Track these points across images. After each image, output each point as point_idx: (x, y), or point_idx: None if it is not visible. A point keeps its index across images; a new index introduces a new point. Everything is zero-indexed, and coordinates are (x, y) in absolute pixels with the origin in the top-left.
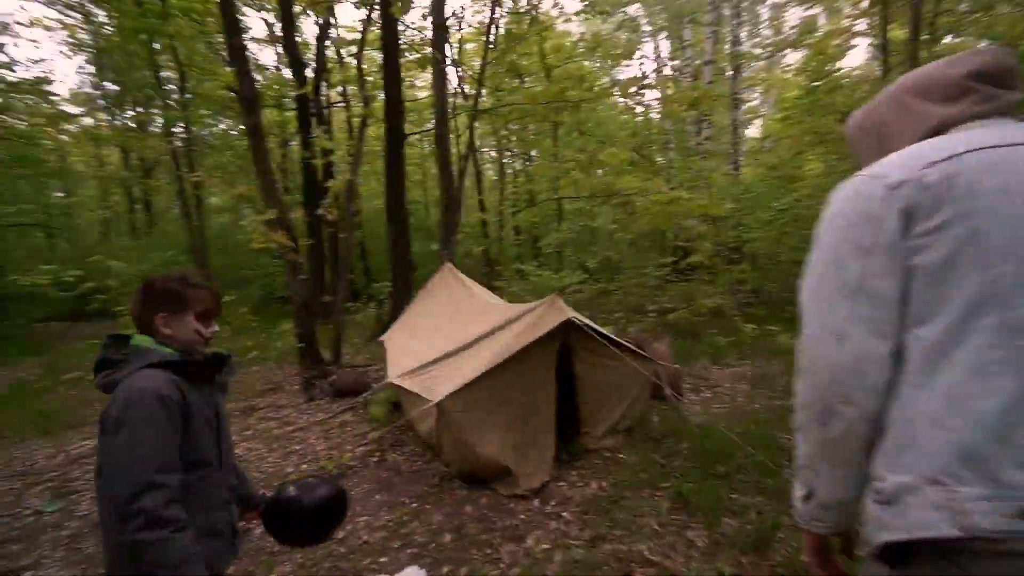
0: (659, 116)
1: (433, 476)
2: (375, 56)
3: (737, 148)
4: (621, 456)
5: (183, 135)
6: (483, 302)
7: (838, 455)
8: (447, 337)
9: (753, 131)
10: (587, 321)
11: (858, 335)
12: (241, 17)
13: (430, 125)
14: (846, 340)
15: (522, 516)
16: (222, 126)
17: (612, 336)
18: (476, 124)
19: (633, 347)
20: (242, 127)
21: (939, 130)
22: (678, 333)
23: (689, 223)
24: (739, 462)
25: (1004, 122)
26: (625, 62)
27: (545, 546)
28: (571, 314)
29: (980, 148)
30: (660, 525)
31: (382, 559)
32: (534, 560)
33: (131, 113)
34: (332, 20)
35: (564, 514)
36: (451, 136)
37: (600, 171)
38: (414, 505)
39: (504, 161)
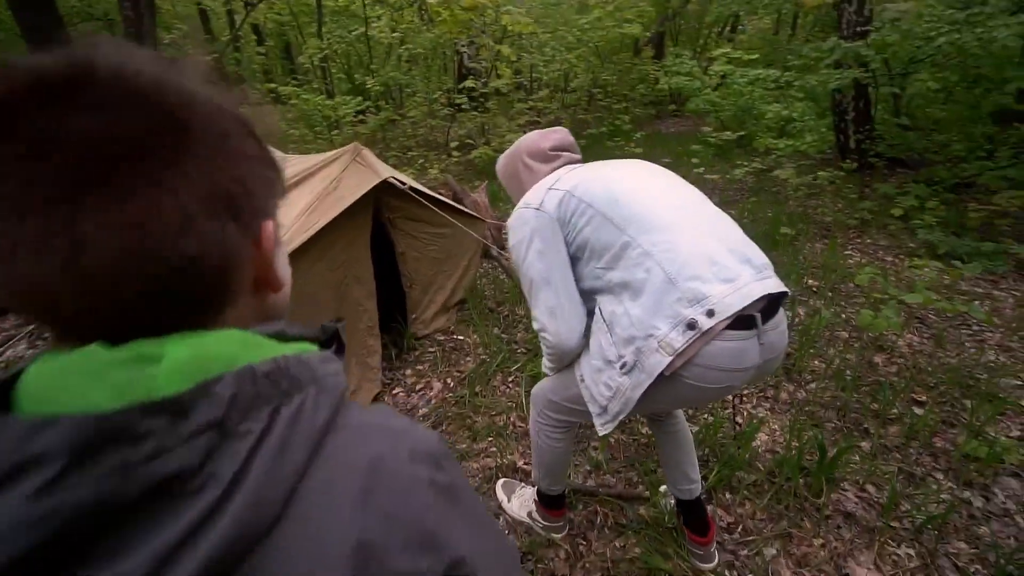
0: None
1: None
2: None
3: None
4: (459, 338)
5: None
6: None
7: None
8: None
9: None
10: (405, 179)
11: (561, 306)
12: None
13: None
14: (556, 311)
15: None
16: None
17: (436, 195)
18: None
19: (458, 206)
20: None
21: (548, 174)
22: (482, 174)
23: (486, 40)
24: None
25: (574, 165)
26: None
27: None
28: (386, 173)
29: (570, 176)
30: (524, 422)
31: None
32: None
33: None
34: None
35: None
36: None
37: None
38: None
39: None
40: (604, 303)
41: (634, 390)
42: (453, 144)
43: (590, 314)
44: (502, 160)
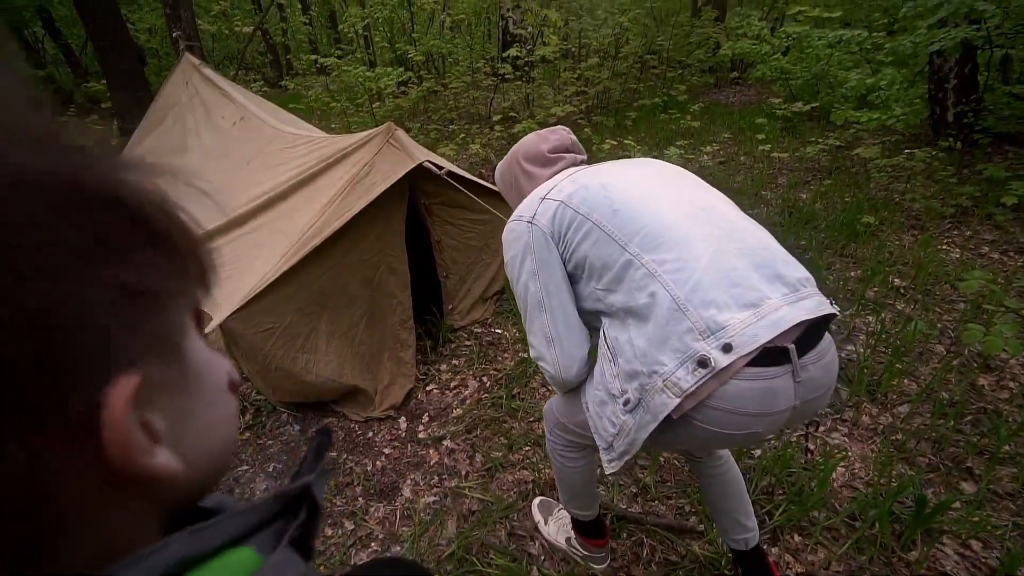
0: None
1: (239, 413)
2: None
3: None
4: (497, 331)
5: None
6: (266, 127)
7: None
8: (217, 191)
9: None
10: (442, 161)
11: (559, 333)
12: None
13: None
14: (553, 339)
15: (387, 451)
16: None
17: (475, 180)
18: None
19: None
20: None
21: (548, 179)
22: None
23: (532, 4)
24: None
25: (576, 168)
26: None
27: (431, 498)
28: (421, 156)
29: (568, 182)
30: None
31: None
32: (422, 526)
33: None
34: None
35: (445, 439)
36: None
37: None
38: None
39: None
40: (609, 327)
41: (639, 431)
42: (496, 117)
43: (596, 331)
44: (500, 168)
